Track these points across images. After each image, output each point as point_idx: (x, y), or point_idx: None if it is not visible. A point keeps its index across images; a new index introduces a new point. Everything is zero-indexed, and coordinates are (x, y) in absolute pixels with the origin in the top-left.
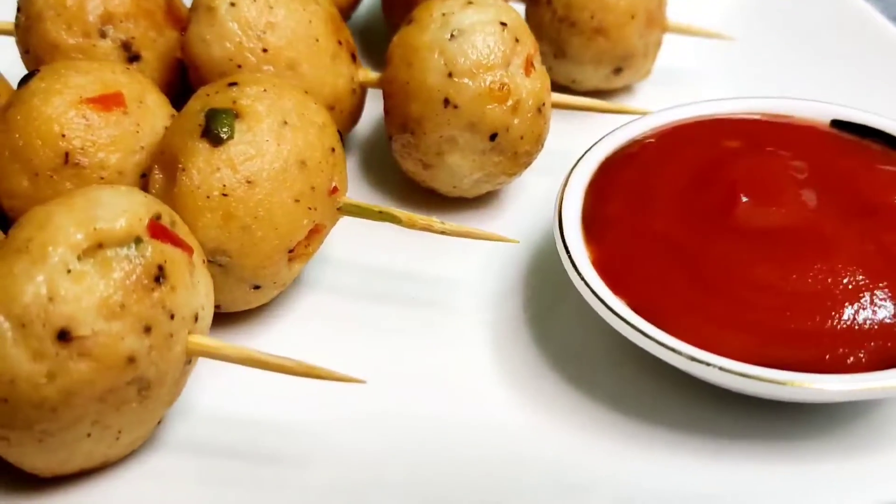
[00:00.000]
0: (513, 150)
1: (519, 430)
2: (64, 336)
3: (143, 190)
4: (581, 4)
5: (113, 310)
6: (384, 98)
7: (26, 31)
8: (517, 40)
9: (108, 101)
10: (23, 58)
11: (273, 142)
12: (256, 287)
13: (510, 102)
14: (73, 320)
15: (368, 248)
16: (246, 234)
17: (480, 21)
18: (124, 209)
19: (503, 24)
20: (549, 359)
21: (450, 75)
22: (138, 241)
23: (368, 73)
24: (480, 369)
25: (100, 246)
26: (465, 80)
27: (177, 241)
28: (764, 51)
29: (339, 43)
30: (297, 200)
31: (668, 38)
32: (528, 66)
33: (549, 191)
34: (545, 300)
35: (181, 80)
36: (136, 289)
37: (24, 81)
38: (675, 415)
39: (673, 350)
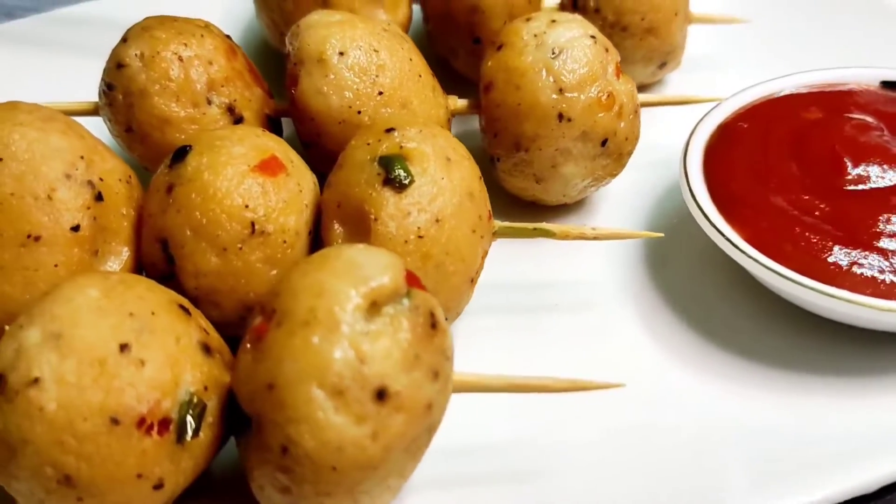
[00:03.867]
0: (618, 151)
1: (701, 401)
2: (382, 395)
3: (317, 245)
4: (631, 8)
5: (412, 361)
6: (488, 122)
7: (128, 109)
8: (606, 49)
9: (273, 166)
10: (122, 136)
11: (447, 179)
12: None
13: (616, 108)
14: (387, 377)
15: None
16: (440, 271)
17: (574, 37)
18: (384, 265)
19: (592, 36)
20: (698, 329)
21: (560, 91)
22: (409, 292)
23: (457, 102)
24: (645, 352)
25: (374, 304)
26: (575, 94)
27: (424, 286)
28: (771, 30)
29: (433, 75)
30: (473, 231)
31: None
32: (618, 72)
33: (629, 184)
34: (675, 278)
35: None
36: (422, 338)
37: (176, 159)
38: (830, 364)
39: (865, 305)
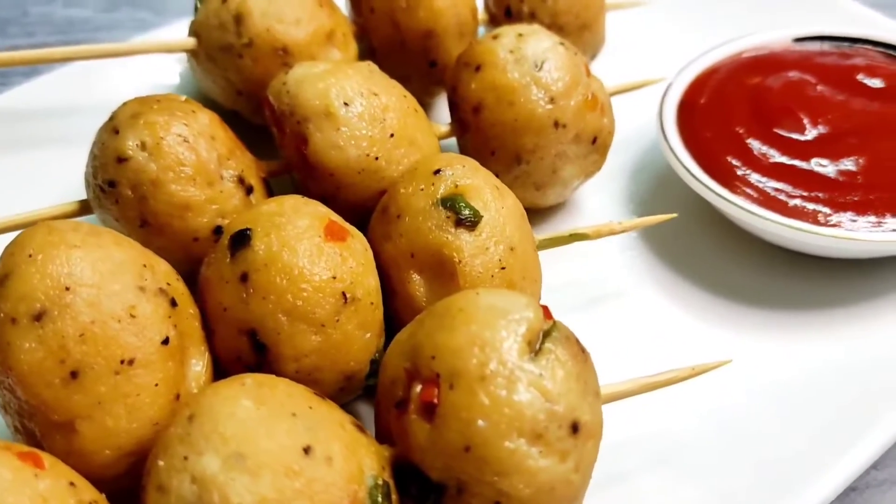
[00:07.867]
0: (604, 145)
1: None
2: (576, 428)
3: (394, 300)
4: (565, 9)
5: (584, 388)
6: (482, 142)
7: (140, 203)
8: (576, 53)
9: (337, 231)
10: (134, 232)
11: (504, 205)
12: None
13: (599, 106)
14: (575, 410)
15: None
16: None
17: (548, 48)
18: (524, 304)
19: (561, 43)
20: (720, 292)
21: (552, 100)
22: (553, 324)
23: (440, 128)
24: (677, 322)
25: (530, 343)
26: (565, 101)
27: (552, 315)
28: (667, 9)
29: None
30: (534, 250)
31: None
32: (587, 71)
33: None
34: (680, 252)
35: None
36: (582, 363)
37: (238, 245)
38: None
39: (862, 241)
